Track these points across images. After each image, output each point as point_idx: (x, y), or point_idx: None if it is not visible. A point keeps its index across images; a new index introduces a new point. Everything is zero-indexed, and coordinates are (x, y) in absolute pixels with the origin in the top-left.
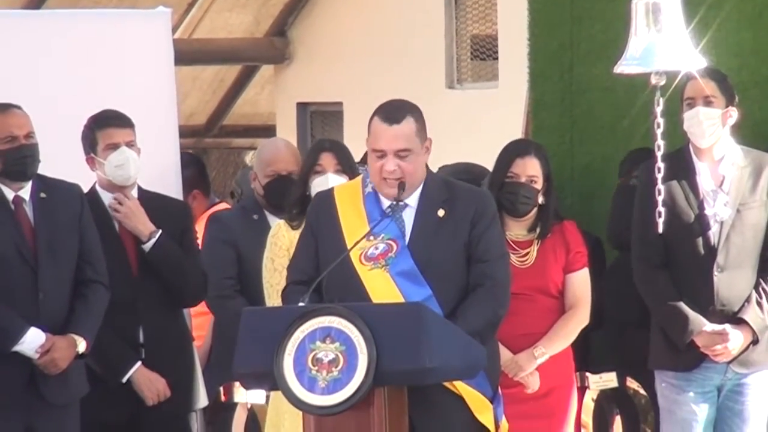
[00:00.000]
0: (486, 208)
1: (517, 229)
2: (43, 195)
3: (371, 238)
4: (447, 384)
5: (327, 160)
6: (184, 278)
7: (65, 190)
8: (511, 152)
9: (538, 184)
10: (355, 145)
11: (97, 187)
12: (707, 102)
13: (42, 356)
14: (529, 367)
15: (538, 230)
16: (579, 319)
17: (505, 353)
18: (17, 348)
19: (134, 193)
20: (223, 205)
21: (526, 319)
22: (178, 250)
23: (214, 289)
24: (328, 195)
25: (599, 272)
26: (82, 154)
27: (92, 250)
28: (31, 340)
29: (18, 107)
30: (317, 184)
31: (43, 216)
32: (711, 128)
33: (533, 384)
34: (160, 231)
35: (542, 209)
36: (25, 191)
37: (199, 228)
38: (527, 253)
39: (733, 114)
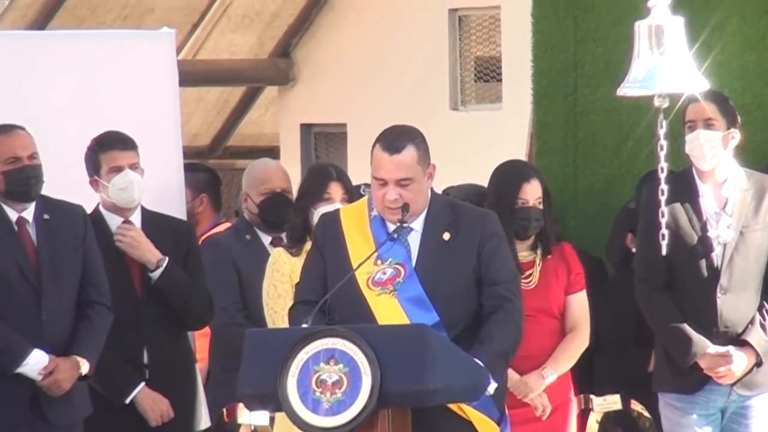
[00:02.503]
0: (493, 230)
1: (521, 250)
2: (46, 216)
3: (378, 262)
4: (453, 407)
5: (335, 189)
6: (190, 304)
7: (69, 212)
8: (517, 177)
9: (542, 204)
10: (360, 166)
11: (101, 209)
12: (708, 125)
13: (45, 378)
14: (538, 388)
15: (539, 250)
16: (581, 340)
17: (512, 375)
18: (20, 369)
19: (138, 213)
20: (228, 225)
21: (531, 341)
22: (185, 276)
23: (224, 315)
24: (333, 216)
25: (602, 294)
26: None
27: (96, 272)
28: (35, 362)
29: (21, 128)
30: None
31: (47, 237)
32: (712, 151)
33: (543, 405)
34: (167, 258)
35: (541, 229)
36: (29, 212)
37: None
38: (530, 274)
39: (736, 136)
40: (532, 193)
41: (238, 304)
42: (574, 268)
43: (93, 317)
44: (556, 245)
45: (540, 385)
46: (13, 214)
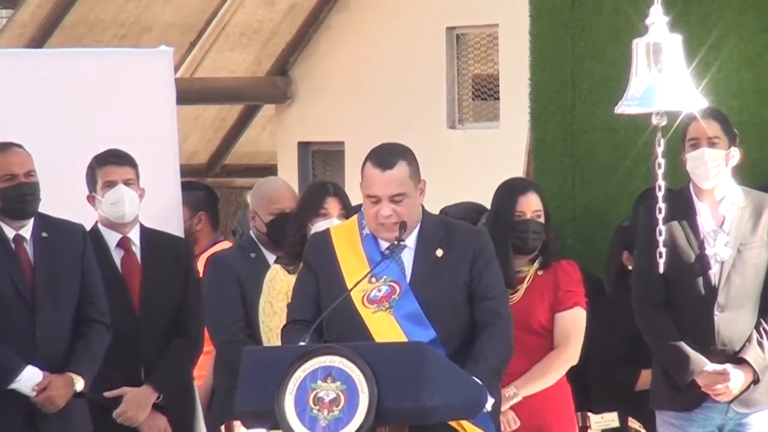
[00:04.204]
0: (485, 246)
1: (521, 265)
2: (44, 234)
3: (373, 280)
4: (452, 423)
5: (332, 204)
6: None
7: (68, 230)
8: (512, 191)
9: (542, 219)
10: (358, 185)
11: (99, 226)
12: (711, 143)
13: (39, 394)
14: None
15: (535, 265)
16: (563, 358)
17: None
18: (14, 385)
19: (136, 231)
20: (226, 244)
21: None
22: (175, 375)
23: (226, 333)
24: (324, 236)
25: (597, 312)
26: (84, 192)
27: (94, 290)
28: (28, 378)
29: (19, 146)
30: (320, 228)
31: (44, 255)
32: (715, 169)
33: (508, 424)
34: (161, 395)
35: (543, 243)
36: (26, 230)
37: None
38: (515, 291)
39: (735, 155)
40: (528, 205)
41: (240, 322)
42: (564, 286)
43: (90, 335)
44: (556, 262)
45: (502, 405)
46: (10, 232)
